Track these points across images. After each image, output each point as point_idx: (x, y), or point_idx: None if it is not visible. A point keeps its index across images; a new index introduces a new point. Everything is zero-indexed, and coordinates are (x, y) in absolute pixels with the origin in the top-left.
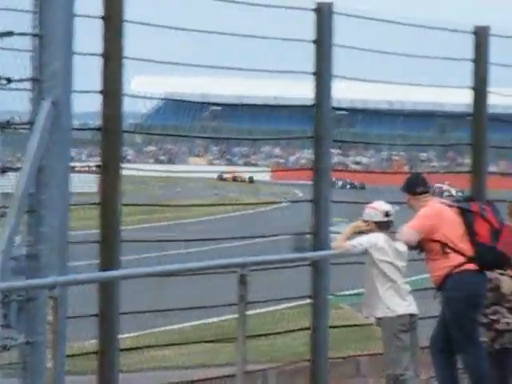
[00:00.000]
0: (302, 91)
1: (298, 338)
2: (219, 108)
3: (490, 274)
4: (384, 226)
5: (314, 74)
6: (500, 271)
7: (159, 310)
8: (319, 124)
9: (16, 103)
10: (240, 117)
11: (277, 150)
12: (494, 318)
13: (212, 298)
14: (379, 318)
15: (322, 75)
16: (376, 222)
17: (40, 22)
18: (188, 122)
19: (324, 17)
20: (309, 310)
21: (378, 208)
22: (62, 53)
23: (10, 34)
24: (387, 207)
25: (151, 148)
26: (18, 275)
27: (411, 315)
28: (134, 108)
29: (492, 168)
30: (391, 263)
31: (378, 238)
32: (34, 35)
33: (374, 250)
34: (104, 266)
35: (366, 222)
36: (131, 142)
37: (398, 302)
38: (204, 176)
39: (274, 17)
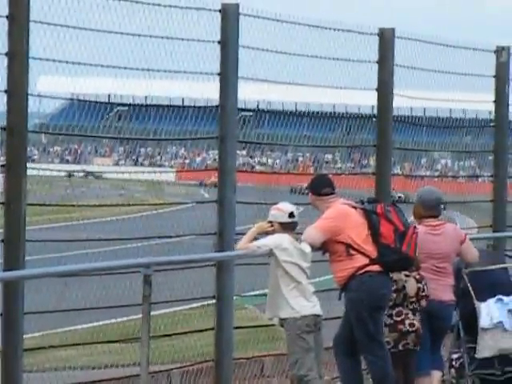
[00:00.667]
0: (209, 92)
1: (202, 338)
2: (125, 108)
3: (395, 276)
4: (289, 226)
5: (219, 74)
6: (405, 273)
7: (64, 310)
8: (224, 125)
9: None
10: (146, 117)
11: (182, 151)
12: (398, 319)
13: (117, 298)
14: (283, 319)
15: (227, 76)
16: (281, 223)
17: None
18: (94, 122)
19: (229, 18)
20: (213, 311)
21: (282, 209)
22: None
23: None
24: (292, 208)
25: (56, 148)
26: None
27: (315, 316)
28: (39, 108)
29: (397, 170)
30: (296, 264)
31: (283, 239)
32: None
33: (278, 251)
34: (8, 266)
35: (270, 222)
36: (36, 142)
37: (303, 303)
38: (109, 176)
39: (181, 17)
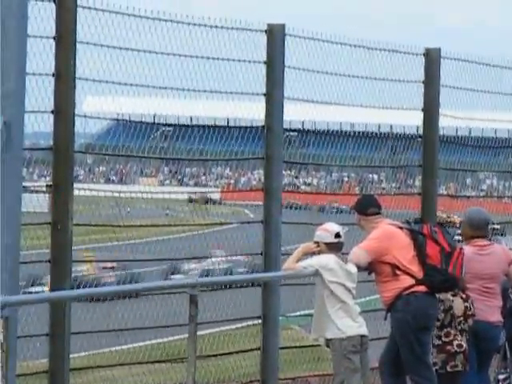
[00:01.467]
0: (254, 112)
1: (248, 358)
2: (170, 128)
3: (442, 296)
4: (334, 247)
5: (265, 95)
6: (452, 293)
7: (110, 330)
8: (270, 145)
9: None
10: (191, 137)
11: (228, 171)
12: (446, 340)
13: (163, 318)
14: (329, 339)
15: (273, 96)
16: (327, 244)
17: None
18: (139, 142)
19: (275, 38)
20: (259, 331)
21: (328, 229)
22: (15, 73)
23: None
24: (338, 228)
25: (102, 168)
26: None
27: (362, 336)
28: (85, 128)
29: (442, 190)
30: (342, 284)
31: (329, 260)
32: None
33: (324, 271)
34: (55, 286)
35: (316, 243)
36: (82, 162)
37: (349, 323)
38: (155, 196)
39: (226, 38)
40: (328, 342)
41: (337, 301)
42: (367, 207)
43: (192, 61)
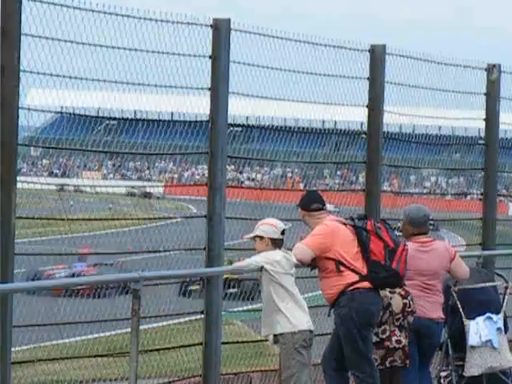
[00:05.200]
0: (199, 107)
1: (190, 353)
2: (114, 122)
3: (381, 293)
4: (279, 243)
5: (210, 89)
6: (390, 290)
7: (52, 324)
8: (214, 140)
9: None
10: (135, 131)
11: (171, 166)
12: (384, 336)
13: (106, 313)
14: (280, 334)
15: (218, 91)
16: (272, 239)
17: None
18: (83, 135)
19: (221, 33)
20: (201, 326)
21: (276, 225)
22: None
23: None
24: (283, 225)
25: (45, 161)
26: None
27: (310, 331)
28: (29, 121)
29: (385, 187)
30: (289, 273)
31: (275, 254)
32: None
33: (270, 266)
34: None
35: (260, 237)
36: (26, 155)
37: (300, 317)
38: (98, 190)
39: (172, 32)
40: (277, 337)
41: (286, 293)
42: (311, 203)
43: (137, 54)
